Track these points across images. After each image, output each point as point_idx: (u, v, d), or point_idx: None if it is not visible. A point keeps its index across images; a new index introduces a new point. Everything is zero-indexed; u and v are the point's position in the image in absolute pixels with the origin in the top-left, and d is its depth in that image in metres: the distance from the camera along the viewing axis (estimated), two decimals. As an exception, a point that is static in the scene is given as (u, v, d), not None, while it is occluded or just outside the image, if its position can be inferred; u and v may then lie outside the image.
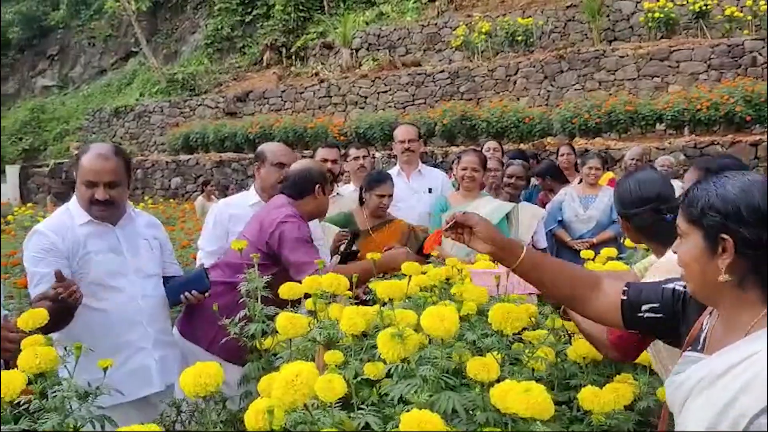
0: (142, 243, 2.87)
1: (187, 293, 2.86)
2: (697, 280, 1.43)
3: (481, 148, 6.06)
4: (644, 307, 1.67)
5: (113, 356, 2.62)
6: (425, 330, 1.42)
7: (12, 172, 19.41)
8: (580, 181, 5.92)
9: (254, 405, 1.47)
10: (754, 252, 1.33)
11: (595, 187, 5.67)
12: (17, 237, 7.91)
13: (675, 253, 1.52)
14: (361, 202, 4.34)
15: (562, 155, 7.07)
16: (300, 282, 2.92)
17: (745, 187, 1.35)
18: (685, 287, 1.61)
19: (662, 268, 2.03)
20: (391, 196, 4.23)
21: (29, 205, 14.81)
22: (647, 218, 2.21)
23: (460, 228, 1.79)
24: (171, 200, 15.33)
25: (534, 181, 7.14)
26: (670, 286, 1.67)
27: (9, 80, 27.29)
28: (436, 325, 1.38)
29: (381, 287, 1.69)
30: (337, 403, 1.53)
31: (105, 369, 2.04)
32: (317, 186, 3.21)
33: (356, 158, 4.89)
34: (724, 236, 1.34)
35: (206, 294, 2.86)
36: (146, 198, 14.75)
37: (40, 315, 2.07)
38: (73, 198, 2.79)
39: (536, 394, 1.19)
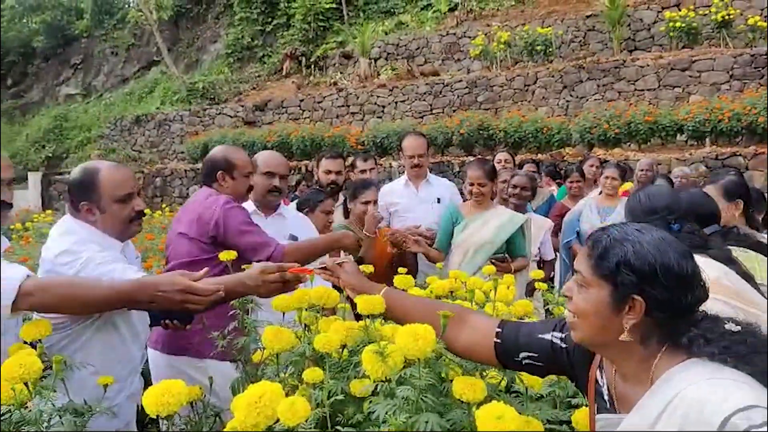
0: (136, 264, 2.66)
1: (168, 321, 2.63)
2: (593, 332, 1.37)
3: (494, 159, 5.98)
4: (522, 355, 1.62)
5: (125, 381, 2.51)
6: (399, 349, 1.35)
7: (34, 179, 19.65)
8: (601, 191, 5.81)
9: (230, 424, 1.42)
10: (663, 314, 1.28)
11: (614, 199, 5.53)
12: (33, 244, 7.90)
13: (565, 296, 1.47)
14: (347, 214, 4.27)
15: (592, 167, 6.96)
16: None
17: (661, 246, 1.30)
18: (563, 340, 1.57)
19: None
20: (376, 202, 4.16)
21: (48, 211, 14.94)
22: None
23: (329, 271, 2.02)
24: (189, 208, 15.37)
25: (548, 190, 7.06)
26: (547, 337, 1.62)
27: (34, 88, 27.71)
28: (410, 344, 1.31)
29: (362, 302, 1.63)
30: (316, 423, 1.47)
31: (105, 386, 1.99)
32: (219, 173, 3.25)
33: (363, 171, 4.79)
34: (636, 297, 1.29)
35: (187, 328, 2.63)
36: (164, 206, 14.82)
37: (43, 326, 2.02)
38: (92, 230, 2.42)
39: (508, 421, 1.12)
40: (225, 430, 1.27)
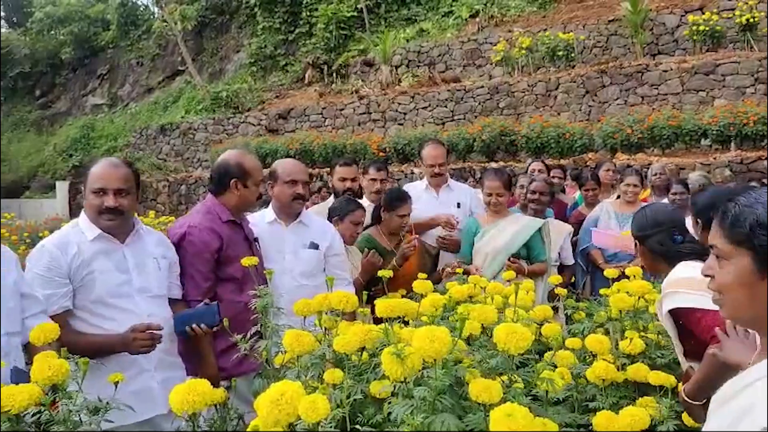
0: (150, 262, 2.80)
1: (194, 326, 2.74)
2: (742, 305, 1.33)
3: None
4: None
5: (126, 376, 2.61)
6: (416, 351, 1.39)
7: (62, 187, 19.99)
8: (618, 197, 5.78)
9: (253, 423, 1.47)
10: None
11: (632, 205, 5.50)
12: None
13: (708, 276, 1.42)
14: (377, 221, 4.31)
15: (608, 171, 6.92)
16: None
17: None
18: None
19: (672, 283, 2.30)
20: (410, 215, 4.24)
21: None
22: (661, 240, 2.53)
23: None
24: (213, 216, 15.52)
25: (568, 196, 7.04)
26: None
27: (61, 99, 28.21)
28: (426, 345, 1.35)
29: (382, 305, 1.66)
30: (336, 423, 1.51)
31: (116, 383, 2.06)
32: (233, 180, 3.13)
33: (373, 180, 4.69)
34: None
35: (214, 329, 2.74)
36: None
37: (51, 329, 2.09)
38: (82, 213, 2.77)
39: (518, 418, 1.14)
40: (248, 429, 1.31)
